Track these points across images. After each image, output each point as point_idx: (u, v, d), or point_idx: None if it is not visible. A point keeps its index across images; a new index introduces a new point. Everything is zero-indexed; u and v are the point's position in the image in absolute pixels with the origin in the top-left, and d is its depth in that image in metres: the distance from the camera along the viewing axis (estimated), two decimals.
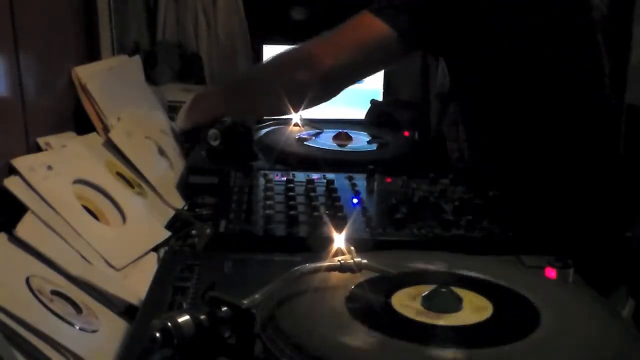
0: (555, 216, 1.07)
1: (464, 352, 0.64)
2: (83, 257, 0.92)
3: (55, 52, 1.21)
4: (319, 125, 1.52)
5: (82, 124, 1.23)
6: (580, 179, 1.18)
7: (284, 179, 1.14)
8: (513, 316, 0.70)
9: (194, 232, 1.02)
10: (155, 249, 1.04)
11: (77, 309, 0.83)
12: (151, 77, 1.70)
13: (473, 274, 0.80)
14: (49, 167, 0.98)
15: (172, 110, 1.53)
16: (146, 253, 1.02)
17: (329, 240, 0.79)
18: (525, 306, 0.72)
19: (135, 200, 1.11)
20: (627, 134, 1.19)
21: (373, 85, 1.80)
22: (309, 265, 0.73)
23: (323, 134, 1.50)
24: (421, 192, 1.08)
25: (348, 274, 0.75)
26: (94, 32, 1.43)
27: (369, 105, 1.70)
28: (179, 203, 1.20)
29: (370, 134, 1.53)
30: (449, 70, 1.31)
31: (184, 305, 0.73)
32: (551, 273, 0.81)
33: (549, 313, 0.70)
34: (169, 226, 1.11)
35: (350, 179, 1.17)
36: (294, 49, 1.29)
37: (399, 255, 0.86)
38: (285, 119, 1.44)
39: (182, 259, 0.87)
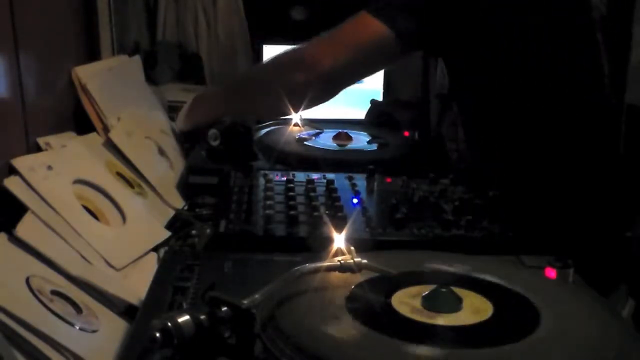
0: (555, 216, 1.07)
1: (464, 352, 0.64)
2: (83, 257, 0.92)
3: (55, 52, 1.21)
4: (319, 125, 1.52)
5: (82, 124, 1.23)
6: (580, 179, 1.18)
7: (284, 179, 1.14)
8: (513, 316, 0.70)
9: (194, 232, 1.02)
10: (155, 249, 1.04)
11: (77, 309, 0.83)
12: (151, 77, 1.70)
13: (473, 274, 0.80)
14: (49, 167, 0.98)
15: (172, 110, 1.53)
16: (146, 253, 1.02)
17: (329, 240, 0.79)
18: (525, 306, 0.72)
19: (135, 200, 1.11)
20: (627, 134, 1.19)
21: (373, 85, 1.80)
22: (309, 265, 0.73)
23: (323, 134, 1.50)
24: (421, 192, 1.08)
25: (348, 274, 0.75)
26: (94, 32, 1.43)
27: (369, 105, 1.70)
28: (179, 203, 1.20)
29: (370, 134, 1.53)
30: (448, 70, 1.31)
31: (184, 305, 0.73)
32: (551, 273, 0.81)
33: (549, 313, 0.70)
34: (169, 226, 1.11)
35: (350, 179, 1.17)
36: (293, 50, 1.29)
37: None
38: (285, 119, 1.44)
39: (182, 259, 0.87)
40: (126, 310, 0.88)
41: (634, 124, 1.19)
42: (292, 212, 0.99)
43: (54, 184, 0.96)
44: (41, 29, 1.14)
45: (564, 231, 0.99)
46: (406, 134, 1.56)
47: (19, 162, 0.94)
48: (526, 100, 1.18)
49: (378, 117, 1.66)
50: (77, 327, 0.79)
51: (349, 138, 1.47)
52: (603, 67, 1.17)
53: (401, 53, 1.24)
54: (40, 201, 0.92)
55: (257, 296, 0.66)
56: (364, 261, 0.75)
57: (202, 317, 0.63)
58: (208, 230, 1.00)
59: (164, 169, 1.28)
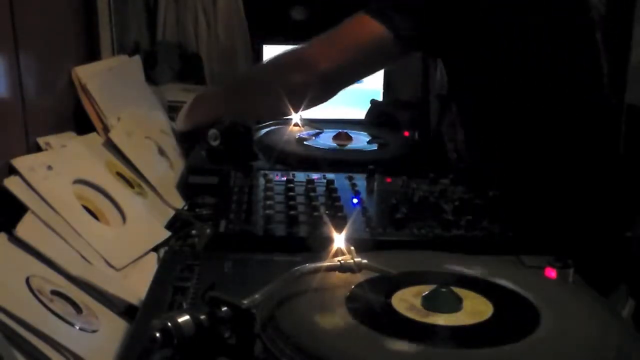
0: (555, 216, 1.07)
1: (464, 352, 0.64)
2: (83, 257, 0.92)
3: (55, 52, 1.21)
4: (319, 125, 1.52)
5: (82, 124, 1.23)
6: (580, 179, 1.18)
7: (284, 179, 1.14)
8: (513, 316, 0.71)
9: (194, 232, 1.02)
10: (155, 249, 1.04)
11: (77, 309, 0.82)
12: (151, 77, 1.70)
13: (473, 274, 0.80)
14: (49, 167, 0.98)
15: (172, 110, 1.53)
16: (146, 253, 1.02)
17: (329, 240, 0.79)
18: (525, 306, 0.72)
19: (135, 200, 1.11)
20: (627, 134, 1.20)
21: (373, 85, 1.80)
22: (309, 265, 0.73)
23: (323, 134, 1.50)
24: (421, 192, 1.08)
25: (348, 274, 0.75)
26: (94, 32, 1.43)
27: (369, 105, 1.70)
28: (179, 203, 1.19)
29: (370, 134, 1.53)
30: (447, 71, 1.31)
31: (184, 305, 0.73)
32: (551, 273, 0.81)
33: (549, 313, 0.70)
34: (169, 226, 1.11)
35: (350, 179, 1.17)
36: (293, 50, 1.29)
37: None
38: (285, 118, 1.44)
39: (182, 259, 0.87)
40: (126, 310, 0.88)
41: (634, 124, 1.19)
42: (292, 212, 0.99)
43: (54, 184, 0.96)
44: (41, 29, 1.14)
45: (564, 231, 0.99)
46: (406, 134, 1.56)
47: (19, 162, 0.94)
48: (526, 100, 1.18)
49: (378, 117, 1.66)
50: (77, 327, 0.79)
51: (349, 138, 1.47)
52: (602, 67, 1.17)
53: (400, 53, 1.24)
54: (40, 201, 0.92)
55: (257, 296, 0.66)
56: (364, 261, 0.75)
57: (202, 317, 0.63)
58: (208, 230, 1.00)
59: (164, 169, 1.28)
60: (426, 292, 0.72)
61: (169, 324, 0.61)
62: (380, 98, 1.80)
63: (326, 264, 0.74)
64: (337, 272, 0.75)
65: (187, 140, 1.38)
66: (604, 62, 1.17)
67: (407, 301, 0.72)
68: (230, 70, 2.02)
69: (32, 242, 0.86)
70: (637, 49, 1.18)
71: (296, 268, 0.72)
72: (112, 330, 0.84)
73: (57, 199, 0.94)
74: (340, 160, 1.34)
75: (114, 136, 1.19)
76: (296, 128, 1.46)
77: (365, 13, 1.22)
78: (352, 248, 0.76)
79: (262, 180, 1.14)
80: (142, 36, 1.98)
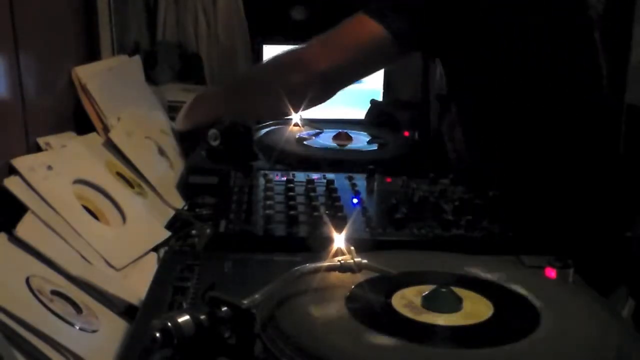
0: (555, 216, 1.07)
1: (464, 352, 0.64)
2: (83, 257, 0.92)
3: (55, 52, 1.21)
4: (319, 125, 1.52)
5: (82, 124, 1.23)
6: (580, 179, 1.18)
7: (284, 179, 1.14)
8: (513, 316, 0.71)
9: (194, 232, 1.02)
10: (155, 249, 1.04)
11: (77, 309, 0.82)
12: (151, 77, 1.70)
13: (473, 274, 0.80)
14: (49, 167, 0.98)
15: (172, 110, 1.53)
16: (146, 253, 1.02)
17: (329, 240, 0.79)
18: (525, 306, 0.72)
19: (135, 200, 1.11)
20: (627, 134, 1.20)
21: (373, 85, 1.80)
22: (309, 265, 0.73)
23: (323, 134, 1.50)
24: (421, 192, 1.08)
25: (348, 274, 0.75)
26: (94, 32, 1.43)
27: (369, 105, 1.70)
28: (179, 203, 1.19)
29: (370, 134, 1.53)
30: (445, 71, 1.31)
31: (184, 305, 0.73)
32: (551, 273, 0.81)
33: (549, 313, 0.70)
34: (169, 226, 1.11)
35: (350, 179, 1.17)
36: (292, 50, 1.30)
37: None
38: (285, 119, 1.44)
39: (182, 259, 0.87)
40: (126, 310, 0.88)
41: (634, 124, 1.19)
42: (292, 212, 0.99)
43: (54, 184, 0.96)
44: (41, 29, 1.14)
45: (564, 231, 0.99)
46: (406, 134, 1.56)
47: (19, 162, 0.94)
48: (525, 100, 1.19)
49: (378, 117, 1.66)
50: (77, 327, 0.79)
51: (349, 138, 1.47)
52: (601, 67, 1.17)
53: (399, 54, 1.24)
54: (40, 201, 0.92)
55: (257, 296, 0.66)
56: (364, 261, 0.75)
57: (202, 317, 0.63)
58: (208, 230, 1.00)
59: (164, 169, 1.28)
60: (426, 292, 0.72)
61: (169, 324, 0.61)
62: (380, 98, 1.80)
63: (326, 264, 0.74)
64: (337, 272, 0.75)
65: (187, 140, 1.38)
66: (603, 61, 1.17)
67: (407, 301, 0.72)
68: (230, 70, 2.02)
69: (32, 242, 0.86)
70: (637, 49, 1.18)
71: (296, 268, 0.72)
72: (112, 330, 0.84)
73: (57, 199, 0.94)
74: (340, 160, 1.34)
75: (114, 136, 1.19)
76: (296, 128, 1.46)
77: (364, 13, 1.22)
78: (352, 248, 0.76)
79: (262, 180, 1.14)
80: (142, 36, 1.98)
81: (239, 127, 1.29)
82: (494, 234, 0.96)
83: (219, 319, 0.63)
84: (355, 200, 1.06)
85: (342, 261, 0.75)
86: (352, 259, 0.75)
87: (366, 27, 1.21)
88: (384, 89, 1.84)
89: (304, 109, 1.29)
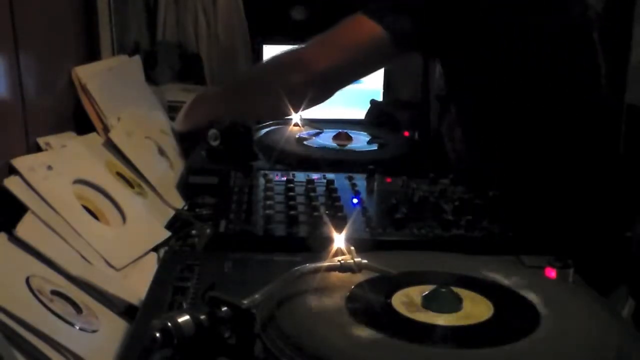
0: (555, 216, 1.07)
1: (464, 352, 0.64)
2: (83, 257, 0.92)
3: (55, 52, 1.21)
4: (319, 125, 1.52)
5: (82, 124, 1.23)
6: (580, 179, 1.18)
7: (284, 179, 1.14)
8: (513, 316, 0.70)
9: (194, 232, 1.02)
10: (155, 249, 1.04)
11: (77, 309, 0.82)
12: (151, 77, 1.70)
13: (473, 274, 0.80)
14: (49, 167, 0.98)
15: (172, 110, 1.53)
16: (146, 253, 1.02)
17: (329, 240, 0.79)
18: (525, 306, 0.72)
19: (135, 200, 1.11)
20: (627, 134, 1.20)
21: (373, 85, 1.80)
22: (309, 265, 0.73)
23: (323, 134, 1.50)
24: (421, 192, 1.08)
25: (348, 274, 0.75)
26: (94, 32, 1.43)
27: (369, 105, 1.70)
28: (179, 203, 1.19)
29: (370, 134, 1.53)
30: (444, 71, 1.31)
31: (184, 305, 0.73)
32: (551, 273, 0.81)
33: (549, 313, 0.70)
34: (169, 226, 1.11)
35: (350, 179, 1.17)
36: (291, 51, 1.30)
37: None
38: (285, 119, 1.44)
39: (182, 259, 0.87)
40: (126, 310, 0.88)
41: (634, 124, 1.19)
42: (292, 212, 0.99)
43: (54, 184, 0.96)
44: (41, 29, 1.14)
45: (564, 231, 0.99)
46: (406, 134, 1.56)
47: (19, 162, 0.94)
48: (525, 100, 1.19)
49: (378, 117, 1.66)
50: (77, 327, 0.79)
51: (349, 138, 1.47)
52: (600, 67, 1.17)
53: (398, 54, 1.24)
54: (40, 201, 0.92)
55: (257, 296, 0.66)
56: (364, 261, 0.75)
57: (202, 317, 0.63)
58: (208, 230, 1.00)
59: (164, 169, 1.28)
60: (426, 292, 0.72)
61: (169, 324, 0.61)
62: (380, 98, 1.80)
63: (326, 264, 0.74)
64: (337, 272, 0.75)
65: (187, 140, 1.38)
66: (602, 61, 1.17)
67: (407, 301, 0.72)
68: (230, 70, 2.02)
69: (32, 242, 0.86)
70: (636, 49, 1.18)
71: (296, 268, 0.72)
72: (112, 330, 0.84)
73: (57, 199, 0.94)
74: (340, 160, 1.34)
75: (114, 136, 1.19)
76: (296, 128, 1.46)
77: (363, 13, 1.22)
78: (352, 248, 0.76)
79: (262, 180, 1.14)
80: (142, 36, 1.98)
81: (239, 127, 1.29)
82: (494, 234, 0.96)
83: (219, 319, 0.63)
84: (355, 200, 1.06)
85: (342, 261, 0.75)
86: (352, 259, 0.75)
87: (365, 27, 1.21)
88: (384, 89, 1.84)
89: (303, 109, 1.29)
